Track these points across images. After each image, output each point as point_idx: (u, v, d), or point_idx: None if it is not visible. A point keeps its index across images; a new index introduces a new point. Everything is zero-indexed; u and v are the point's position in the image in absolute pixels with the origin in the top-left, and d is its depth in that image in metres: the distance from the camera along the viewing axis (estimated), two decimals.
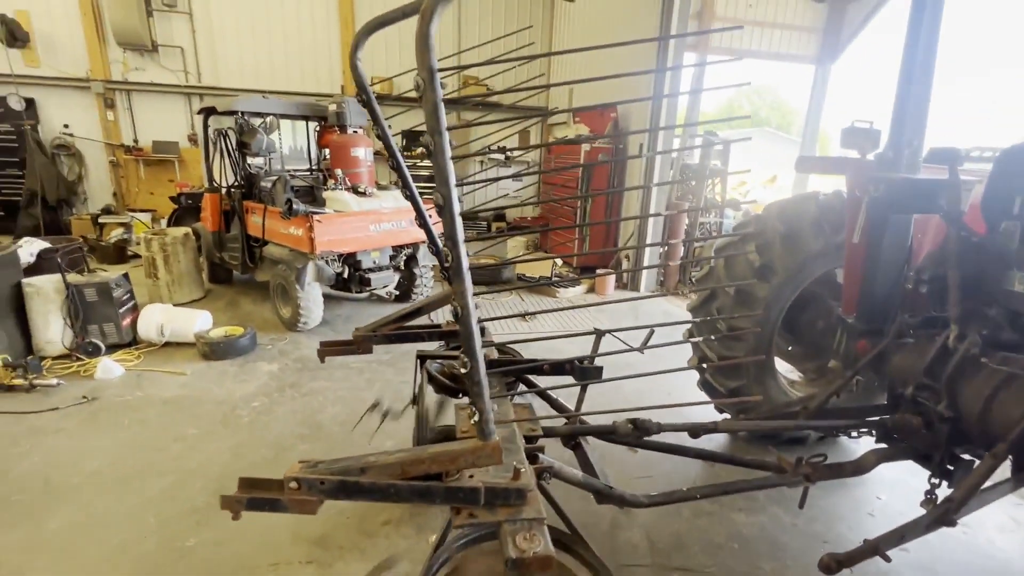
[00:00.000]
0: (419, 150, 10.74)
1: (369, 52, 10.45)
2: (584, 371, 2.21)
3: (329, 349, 2.44)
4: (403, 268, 6.03)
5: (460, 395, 2.33)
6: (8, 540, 2.55)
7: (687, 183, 7.81)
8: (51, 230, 9.10)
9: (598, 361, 2.30)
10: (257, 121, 5.86)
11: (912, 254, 2.71)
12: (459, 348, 2.64)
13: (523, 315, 6.07)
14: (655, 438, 2.28)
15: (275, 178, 5.47)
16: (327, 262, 5.15)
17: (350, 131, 6.09)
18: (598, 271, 7.31)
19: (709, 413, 3.59)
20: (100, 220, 8.91)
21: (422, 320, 2.62)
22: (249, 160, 5.91)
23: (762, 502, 3.00)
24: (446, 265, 1.30)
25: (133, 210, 9.80)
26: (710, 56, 11.79)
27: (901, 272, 2.67)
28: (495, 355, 2.50)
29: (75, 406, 3.84)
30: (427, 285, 6.39)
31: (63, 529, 2.62)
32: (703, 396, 3.56)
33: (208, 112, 6.03)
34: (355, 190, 5.55)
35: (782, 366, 3.66)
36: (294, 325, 5.30)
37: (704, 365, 3.35)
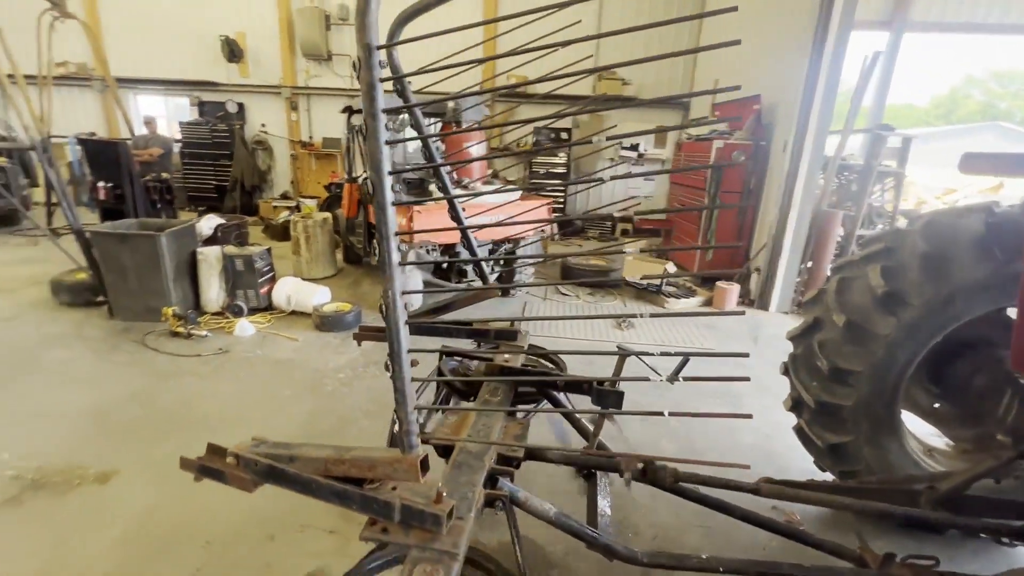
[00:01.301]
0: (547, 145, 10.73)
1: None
2: (602, 395, 1.93)
3: (365, 334, 2.52)
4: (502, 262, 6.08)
5: (471, 399, 2.21)
6: (130, 452, 3.15)
7: (845, 184, 6.51)
8: (245, 210, 11.17)
9: (624, 384, 1.99)
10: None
11: None
12: (488, 348, 2.53)
13: (621, 323, 5.68)
14: (688, 484, 1.91)
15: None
16: (427, 251, 5.41)
17: (465, 126, 6.30)
18: (718, 283, 6.51)
19: (805, 462, 2.93)
20: (274, 204, 10.65)
21: (456, 316, 2.56)
22: None
23: None
24: (377, 260, 1.21)
25: (304, 196, 11.55)
26: (908, 33, 9.73)
27: None
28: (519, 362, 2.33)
29: (212, 355, 4.61)
30: (527, 278, 6.35)
31: (164, 458, 3.13)
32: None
33: (349, 111, 6.77)
34: (460, 184, 5.73)
35: (921, 426, 2.83)
36: None
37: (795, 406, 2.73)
